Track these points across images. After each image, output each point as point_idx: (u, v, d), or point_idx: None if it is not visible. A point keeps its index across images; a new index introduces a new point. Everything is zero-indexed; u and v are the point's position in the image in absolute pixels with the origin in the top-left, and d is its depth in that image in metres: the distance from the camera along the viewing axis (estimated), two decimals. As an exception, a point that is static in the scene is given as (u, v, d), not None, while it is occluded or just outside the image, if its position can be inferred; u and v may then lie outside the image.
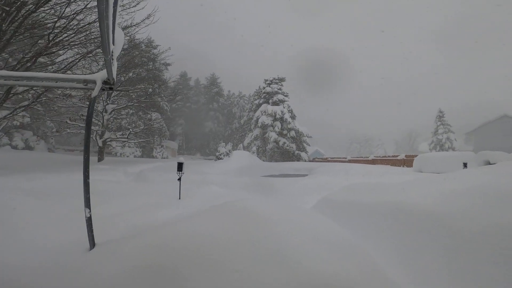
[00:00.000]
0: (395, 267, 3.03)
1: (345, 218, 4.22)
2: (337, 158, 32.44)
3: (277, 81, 31.29)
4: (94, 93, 2.02)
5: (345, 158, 30.47)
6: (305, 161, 28.18)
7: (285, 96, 30.60)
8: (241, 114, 49.63)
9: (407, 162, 21.79)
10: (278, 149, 29.20)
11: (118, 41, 2.02)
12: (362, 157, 29.62)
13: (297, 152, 28.95)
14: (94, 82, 2.11)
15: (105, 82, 2.13)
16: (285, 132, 29.02)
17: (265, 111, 29.67)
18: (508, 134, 24.97)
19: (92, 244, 2.24)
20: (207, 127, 49.14)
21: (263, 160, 28.66)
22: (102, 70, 2.18)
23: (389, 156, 26.04)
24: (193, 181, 8.73)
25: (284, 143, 28.37)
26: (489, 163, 8.11)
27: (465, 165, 9.17)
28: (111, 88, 2.16)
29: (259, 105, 31.58)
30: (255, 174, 16.22)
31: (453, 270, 2.66)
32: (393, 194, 4.51)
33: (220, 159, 20.73)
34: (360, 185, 5.59)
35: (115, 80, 2.16)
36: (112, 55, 1.92)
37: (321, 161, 30.39)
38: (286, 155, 29.26)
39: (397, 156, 24.30)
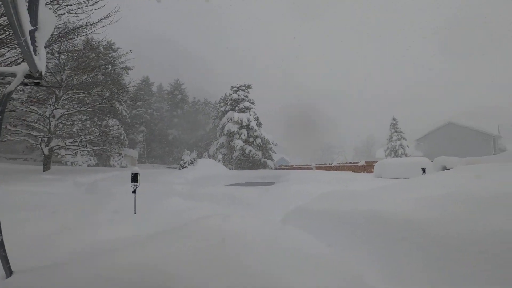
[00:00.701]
0: (377, 278, 2.85)
1: (322, 229, 4.01)
2: (302, 165, 33.08)
3: (244, 88, 31.22)
4: (10, 87, 1.56)
5: (310, 165, 31.19)
6: (271, 168, 28.24)
7: (251, 103, 30.58)
8: (206, 122, 48.68)
9: (367, 168, 22.87)
10: (245, 157, 28.92)
11: (44, 23, 1.56)
12: (325, 164, 30.56)
13: (263, 159, 28.93)
14: (14, 75, 1.64)
15: (29, 77, 1.65)
16: (251, 139, 28.88)
17: (231, 119, 29.34)
18: (453, 140, 27.62)
19: (9, 272, 1.83)
20: (170, 135, 47.25)
21: (230, 168, 28.16)
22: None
23: (350, 163, 27.17)
24: (154, 192, 8.00)
25: (250, 151, 28.19)
26: (446, 168, 8.61)
27: (423, 170, 9.66)
28: (37, 84, 1.70)
29: (225, 112, 31.17)
30: (221, 182, 15.68)
31: (435, 278, 2.54)
32: (370, 202, 4.41)
33: (185, 167, 19.80)
34: (335, 193, 5.45)
35: (42, 73, 1.69)
36: (33, 41, 1.46)
37: (287, 169, 30.72)
38: (253, 163, 29.08)
39: (358, 162, 25.44)
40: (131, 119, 37.51)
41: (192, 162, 20.04)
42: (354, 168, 24.63)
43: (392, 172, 14.38)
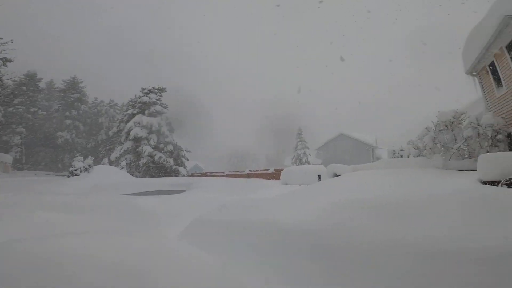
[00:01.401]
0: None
1: (219, 243, 3.76)
2: (216, 172, 32.86)
3: (157, 91, 29.14)
4: None
5: (223, 172, 31.26)
6: (184, 176, 26.98)
7: (164, 107, 28.76)
8: (110, 125, 43.11)
9: (276, 175, 24.38)
10: (154, 164, 26.75)
11: None
12: (238, 171, 31.20)
13: (175, 167, 27.39)
14: None
15: None
16: (161, 145, 27.00)
17: (139, 122, 26.84)
18: (345, 149, 32.34)
19: None
20: (60, 138, 39.77)
21: (136, 176, 25.54)
22: None
23: (261, 170, 28.49)
24: (19, 205, 6.30)
25: (161, 157, 26.30)
26: (336, 175, 9.76)
27: (319, 177, 10.71)
28: None
29: (133, 115, 28.34)
30: (120, 191, 13.86)
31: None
32: (269, 211, 4.41)
33: (75, 175, 16.80)
34: (236, 203, 5.33)
35: None
36: None
37: (200, 176, 29.93)
38: (163, 170, 27.16)
39: (268, 170, 26.91)
40: (7, 118, 30.14)
41: (86, 169, 17.19)
42: (264, 175, 25.90)
43: (296, 179, 15.62)
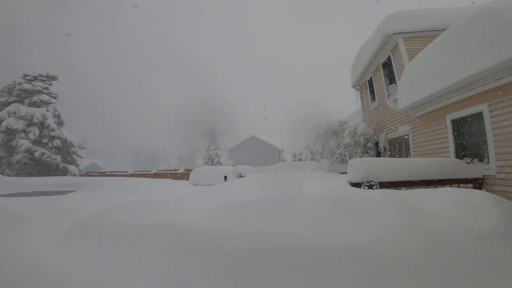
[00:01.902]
0: None
1: (108, 247, 3.34)
2: (117, 172, 29.53)
3: (45, 78, 24.31)
4: None
5: (127, 172, 28.36)
6: (75, 175, 23.18)
7: (52, 97, 24.18)
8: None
9: (186, 175, 23.61)
10: (34, 161, 22.03)
11: None
12: (145, 170, 28.86)
13: (62, 165, 23.22)
14: None
15: None
16: (45, 140, 22.51)
17: (15, 112, 21.74)
18: (255, 151, 34.01)
19: None
20: None
21: (8, 175, 20.57)
22: None
23: (170, 170, 27.11)
24: None
25: (43, 154, 21.86)
26: (241, 176, 10.10)
27: (225, 178, 10.88)
28: None
29: (7, 103, 22.80)
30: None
31: None
32: (166, 213, 4.17)
33: None
34: (129, 204, 4.86)
35: None
36: None
37: (97, 176, 26.29)
38: (47, 169, 22.67)
39: (177, 170, 25.82)
40: None
41: None
42: (174, 175, 24.74)
43: (205, 179, 15.48)
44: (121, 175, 25.97)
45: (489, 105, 4.13)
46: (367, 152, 8.87)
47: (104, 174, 27.91)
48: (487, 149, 4.30)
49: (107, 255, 3.23)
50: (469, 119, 4.80)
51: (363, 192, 3.77)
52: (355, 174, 4.69)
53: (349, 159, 9.16)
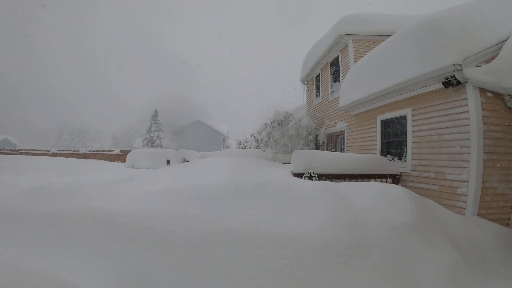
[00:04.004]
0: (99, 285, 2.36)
1: (27, 236, 2.88)
2: (36, 150, 25.68)
3: None
4: None
5: (48, 150, 24.89)
6: (-22, 153, 19.45)
7: None
8: None
9: (122, 157, 21.83)
10: None
11: None
12: (71, 150, 25.74)
13: (-39, 139, 19.21)
14: None
15: None
16: None
17: None
18: (199, 136, 33.18)
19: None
20: None
21: None
22: None
23: (103, 151, 24.75)
24: None
25: None
26: (185, 160, 9.76)
27: (168, 162, 10.40)
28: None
29: None
30: None
31: (169, 281, 2.46)
32: (95, 198, 3.78)
33: None
34: (51, 188, 4.27)
35: None
36: None
37: (10, 153, 22.48)
38: None
39: (112, 151, 23.68)
40: None
41: None
42: (108, 156, 22.65)
43: (143, 162, 14.54)
44: (41, 154, 22.71)
45: (412, 110, 4.74)
46: (307, 145, 9.42)
47: (18, 152, 24.01)
48: (406, 149, 4.97)
49: (29, 245, 2.81)
50: (395, 121, 5.45)
51: (304, 182, 4.00)
52: (298, 165, 4.93)
53: (291, 150, 9.62)
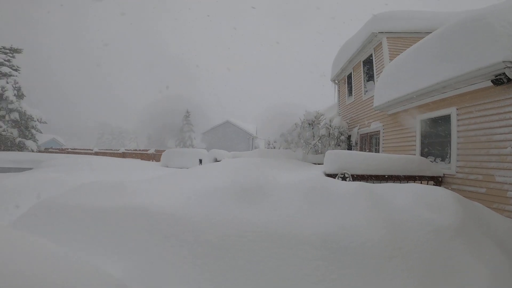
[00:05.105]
0: (141, 283, 2.53)
1: (75, 230, 3.17)
2: (81, 149, 27.85)
3: (8, 51, 22.27)
4: None
5: (91, 150, 26.86)
6: (33, 151, 21.51)
7: (14, 69, 22.19)
8: None
9: (156, 156, 22.91)
10: (-14, 134, 20.11)
11: None
12: (112, 149, 27.52)
13: (19, 139, 21.40)
14: None
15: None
16: (2, 113, 20.58)
17: (-28, 84, 19.76)
18: (228, 136, 33.81)
19: None
20: None
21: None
22: None
23: (140, 150, 26.14)
24: None
25: (-1, 126, 20.00)
26: (217, 160, 10.03)
27: (200, 161, 10.72)
28: None
29: (-34, 75, 20.56)
30: None
31: (203, 279, 2.56)
32: (138, 195, 4.02)
33: None
34: (97, 185, 4.61)
35: None
36: None
37: (58, 152, 24.62)
38: (2, 143, 20.80)
39: (148, 150, 24.95)
40: None
41: None
42: (144, 156, 23.90)
43: (177, 162, 15.13)
44: (84, 153, 24.59)
45: (457, 109, 4.44)
46: (339, 145, 9.20)
47: (65, 151, 26.19)
48: (450, 150, 4.66)
49: (74, 239, 3.07)
50: (437, 121, 5.14)
51: (338, 183, 3.92)
52: (330, 165, 4.85)
53: (321, 151, 9.46)
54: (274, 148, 15.28)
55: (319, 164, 7.76)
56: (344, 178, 4.76)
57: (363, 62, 8.93)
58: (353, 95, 9.89)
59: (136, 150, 26.59)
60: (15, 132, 21.09)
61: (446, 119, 4.78)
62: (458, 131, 4.45)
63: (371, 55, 8.35)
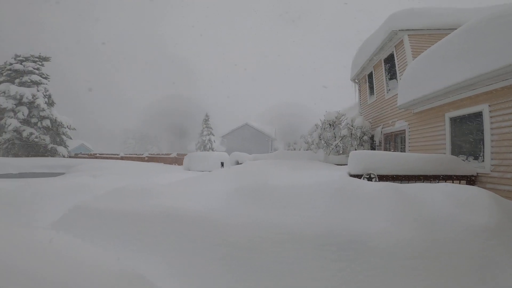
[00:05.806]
0: (173, 283, 2.64)
1: (108, 232, 3.34)
2: (107, 154, 29.08)
3: (37, 59, 23.72)
4: None
5: (118, 154, 27.98)
6: (64, 156, 22.75)
7: (44, 78, 23.60)
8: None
9: (178, 160, 23.49)
10: (21, 141, 21.47)
11: None
12: (136, 154, 28.54)
13: (51, 145, 22.71)
14: None
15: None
16: (34, 120, 21.90)
17: (4, 92, 21.21)
18: (248, 138, 34.05)
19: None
20: None
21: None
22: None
23: (162, 154, 26.90)
24: None
25: (31, 133, 21.29)
26: (238, 163, 10.15)
27: (222, 164, 10.90)
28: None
29: (-2, 84, 22.20)
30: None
31: (232, 281, 2.64)
32: (166, 198, 4.17)
33: None
34: (128, 189, 4.82)
35: None
36: None
37: (86, 157, 25.88)
38: (35, 150, 22.16)
39: (170, 154, 25.64)
40: None
41: None
42: (166, 159, 24.58)
43: (199, 165, 15.43)
44: (111, 158, 25.65)
45: (490, 105, 4.25)
46: (362, 145, 9.03)
47: (94, 156, 27.46)
48: (483, 147, 4.46)
49: (109, 241, 3.21)
50: (468, 118, 4.93)
51: (364, 183, 3.87)
52: (356, 166, 4.79)
53: (343, 151, 9.32)
54: (294, 149, 15.20)
55: (341, 165, 7.66)
56: (369, 179, 4.69)
57: (384, 60, 8.74)
58: (375, 94, 9.67)
59: (159, 154, 27.39)
60: (47, 138, 22.40)
61: (477, 116, 4.58)
62: (491, 128, 4.25)
63: (392, 54, 8.16)
